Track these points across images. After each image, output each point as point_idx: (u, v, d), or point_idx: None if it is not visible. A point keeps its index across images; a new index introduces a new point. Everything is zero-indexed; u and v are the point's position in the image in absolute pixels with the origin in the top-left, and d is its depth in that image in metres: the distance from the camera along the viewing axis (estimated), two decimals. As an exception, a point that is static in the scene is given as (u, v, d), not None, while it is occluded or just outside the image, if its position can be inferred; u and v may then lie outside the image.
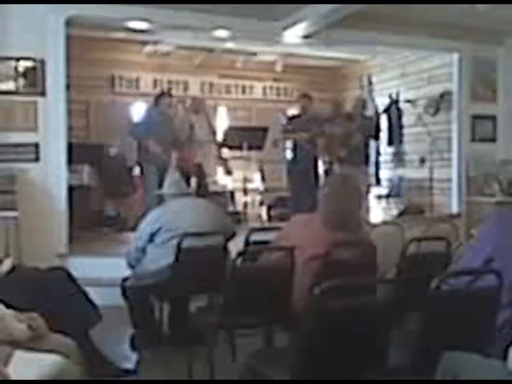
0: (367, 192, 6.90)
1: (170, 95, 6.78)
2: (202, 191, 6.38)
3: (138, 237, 3.73)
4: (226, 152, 7.45)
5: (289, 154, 7.35)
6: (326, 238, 2.73)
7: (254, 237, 3.41)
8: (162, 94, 6.86)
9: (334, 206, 2.86)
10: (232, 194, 7.71)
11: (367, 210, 7.37)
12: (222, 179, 7.78)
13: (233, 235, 3.80)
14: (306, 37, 6.36)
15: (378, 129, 7.33)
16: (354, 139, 6.62)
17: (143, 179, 6.53)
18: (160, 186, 6.07)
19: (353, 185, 3.00)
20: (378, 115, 8.28)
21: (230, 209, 7.28)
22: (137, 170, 6.95)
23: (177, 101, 8.04)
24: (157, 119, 6.41)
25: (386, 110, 8.19)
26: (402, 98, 8.04)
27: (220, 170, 7.70)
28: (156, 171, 6.17)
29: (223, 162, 7.50)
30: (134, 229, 4.03)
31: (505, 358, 1.83)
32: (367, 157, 6.96)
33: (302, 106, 7.11)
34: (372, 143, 8.24)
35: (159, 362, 3.40)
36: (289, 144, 7.33)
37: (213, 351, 2.88)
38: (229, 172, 7.59)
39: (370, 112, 8.08)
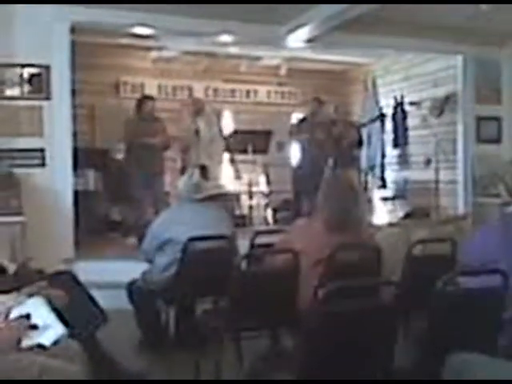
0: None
1: (152, 98, 6.60)
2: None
3: (150, 240, 3.71)
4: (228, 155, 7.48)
5: (296, 158, 7.36)
6: (329, 242, 2.72)
7: (259, 240, 3.41)
8: (145, 97, 6.65)
9: (332, 207, 2.85)
10: (237, 197, 7.73)
11: (371, 212, 7.39)
12: (228, 183, 7.79)
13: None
14: (309, 40, 6.37)
15: (360, 139, 7.28)
16: (343, 143, 6.69)
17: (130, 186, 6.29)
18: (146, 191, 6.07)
19: (347, 184, 2.99)
20: (382, 118, 8.29)
21: (237, 212, 7.29)
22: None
23: (182, 105, 8.08)
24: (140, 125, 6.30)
25: (394, 114, 8.17)
26: (406, 100, 8.03)
27: (225, 174, 7.72)
28: (144, 178, 6.09)
29: (234, 165, 7.51)
30: (139, 233, 4.03)
31: None
32: (354, 160, 6.98)
33: (311, 109, 7.14)
34: (379, 145, 8.27)
35: (166, 365, 3.41)
36: (296, 147, 7.35)
37: (219, 354, 2.89)
38: (238, 176, 7.60)
39: (364, 118, 8.15)
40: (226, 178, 7.85)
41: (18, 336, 1.97)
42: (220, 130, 7.18)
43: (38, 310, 2.08)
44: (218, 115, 7.30)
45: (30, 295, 2.24)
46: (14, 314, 2.08)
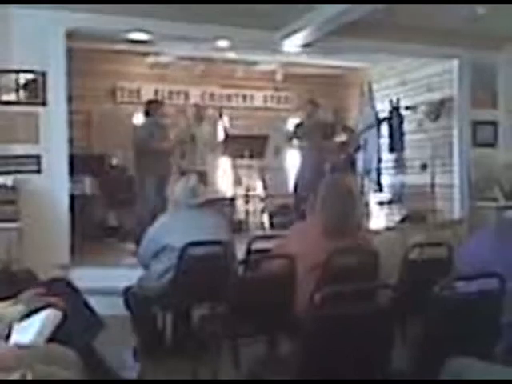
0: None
1: (162, 103, 6.75)
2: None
3: (146, 245, 3.70)
4: (228, 161, 7.47)
5: (295, 163, 7.36)
6: (326, 246, 2.72)
7: (256, 245, 3.40)
8: (155, 101, 6.77)
9: (330, 211, 2.85)
10: (234, 202, 7.72)
11: (367, 216, 7.39)
12: (226, 188, 7.78)
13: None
14: (305, 45, 6.38)
15: (358, 143, 7.31)
16: (349, 148, 6.70)
17: (141, 191, 6.38)
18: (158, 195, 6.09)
19: (346, 188, 2.99)
20: (378, 123, 8.30)
21: (234, 217, 7.28)
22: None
23: (177, 110, 8.08)
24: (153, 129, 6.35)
25: (390, 119, 8.18)
26: (402, 104, 8.05)
27: (223, 179, 7.71)
28: (155, 182, 6.12)
29: (235, 170, 7.53)
30: (135, 238, 4.02)
31: None
32: (352, 164, 7.01)
33: (307, 112, 7.15)
34: (375, 149, 8.29)
35: (162, 371, 3.39)
36: (293, 152, 7.36)
37: (216, 359, 2.88)
38: (239, 182, 7.60)
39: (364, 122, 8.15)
40: (224, 183, 7.84)
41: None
42: (226, 135, 7.18)
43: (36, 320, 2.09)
44: (217, 120, 7.28)
45: (40, 308, 2.22)
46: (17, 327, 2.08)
